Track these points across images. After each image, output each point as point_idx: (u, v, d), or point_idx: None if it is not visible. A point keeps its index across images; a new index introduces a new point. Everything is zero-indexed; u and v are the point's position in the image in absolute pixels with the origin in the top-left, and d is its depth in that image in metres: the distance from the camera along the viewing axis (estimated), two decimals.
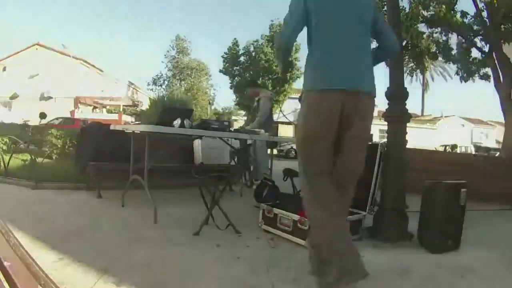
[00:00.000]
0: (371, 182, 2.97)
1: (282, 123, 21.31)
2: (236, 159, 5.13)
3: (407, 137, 3.03)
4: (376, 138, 7.66)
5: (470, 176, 4.80)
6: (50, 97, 24.60)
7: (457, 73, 9.96)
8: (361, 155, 1.85)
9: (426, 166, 5.51)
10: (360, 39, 1.83)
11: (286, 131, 26.03)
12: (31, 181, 4.27)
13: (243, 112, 26.38)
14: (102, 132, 4.58)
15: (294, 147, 18.85)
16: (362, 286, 1.94)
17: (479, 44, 9.18)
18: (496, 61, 8.47)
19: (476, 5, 8.35)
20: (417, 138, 19.61)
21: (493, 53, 8.48)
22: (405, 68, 6.43)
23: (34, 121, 18.31)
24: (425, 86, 37.45)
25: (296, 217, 2.57)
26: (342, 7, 1.80)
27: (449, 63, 11.23)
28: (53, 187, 4.23)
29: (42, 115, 19.63)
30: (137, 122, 17.93)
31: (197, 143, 4.81)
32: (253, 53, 23.35)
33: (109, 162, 4.17)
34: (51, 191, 4.04)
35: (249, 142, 4.59)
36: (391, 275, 2.12)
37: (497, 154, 15.09)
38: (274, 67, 22.36)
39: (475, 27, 8.96)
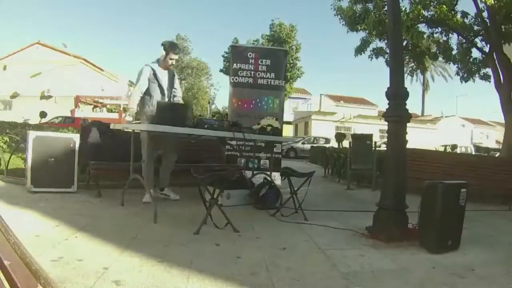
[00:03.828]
0: None
1: (285, 122, 21.26)
2: None
3: (407, 137, 3.03)
4: (376, 138, 7.67)
5: (470, 176, 4.82)
6: (50, 96, 24.56)
7: (457, 73, 9.96)
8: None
9: (426, 166, 5.52)
10: None
11: (286, 131, 26.01)
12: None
13: None
14: (102, 131, 4.58)
15: (295, 146, 18.94)
16: (362, 285, 1.94)
17: (479, 44, 9.17)
18: (496, 62, 8.46)
19: (476, 6, 8.34)
20: (418, 138, 19.59)
21: (494, 54, 8.47)
22: (405, 68, 6.43)
23: (35, 120, 18.32)
24: (425, 86, 37.45)
25: None
26: None
27: (450, 63, 11.22)
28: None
29: (42, 114, 19.62)
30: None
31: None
32: None
33: (109, 161, 4.17)
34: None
35: None
36: (391, 275, 2.12)
37: (497, 154, 15.09)
38: None
39: (475, 27, 8.96)
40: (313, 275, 2.04)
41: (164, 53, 3.80)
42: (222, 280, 1.89)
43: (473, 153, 22.05)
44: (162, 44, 3.82)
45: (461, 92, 65.40)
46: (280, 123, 5.56)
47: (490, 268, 2.29)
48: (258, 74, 5.60)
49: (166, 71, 3.90)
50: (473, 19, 8.87)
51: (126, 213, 3.30)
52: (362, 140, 6.54)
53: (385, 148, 3.24)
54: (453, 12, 8.40)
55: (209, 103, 27.80)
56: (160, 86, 3.82)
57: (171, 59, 3.83)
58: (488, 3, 7.27)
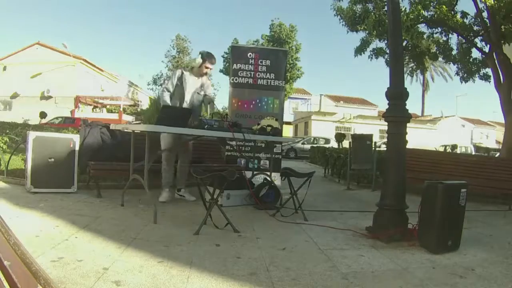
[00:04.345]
0: None
1: (284, 123, 21.27)
2: None
3: (407, 137, 3.03)
4: (376, 138, 7.73)
5: (470, 176, 4.82)
6: (50, 97, 24.58)
7: (457, 74, 9.95)
8: None
9: (426, 166, 5.51)
10: None
11: (286, 131, 26.03)
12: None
13: None
14: (102, 132, 4.59)
15: (295, 146, 18.94)
16: (362, 286, 1.94)
17: (479, 45, 9.17)
18: (496, 62, 8.46)
19: (476, 6, 8.34)
20: (417, 138, 19.62)
21: (494, 54, 8.47)
22: (405, 69, 6.44)
23: (35, 120, 18.33)
24: (425, 86, 37.46)
25: None
26: None
27: (450, 63, 11.21)
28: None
29: (42, 115, 19.67)
30: (137, 122, 17.93)
31: None
32: None
33: (109, 162, 4.17)
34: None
35: None
36: (391, 275, 2.12)
37: (497, 154, 15.09)
38: None
39: (475, 28, 8.96)
40: (313, 275, 2.04)
41: (200, 61, 3.99)
42: (222, 280, 1.89)
43: (473, 153, 22.06)
44: (200, 53, 4.04)
45: (461, 92, 65.46)
46: (280, 123, 5.55)
47: (490, 268, 2.29)
48: (258, 75, 5.60)
49: (199, 78, 4.07)
50: (473, 19, 8.87)
51: (126, 214, 3.31)
52: (362, 140, 6.53)
53: (385, 148, 3.25)
54: (453, 12, 8.40)
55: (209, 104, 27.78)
56: (182, 92, 3.95)
57: (206, 67, 4.01)
58: (488, 3, 7.27)
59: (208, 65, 4.00)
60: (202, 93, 4.11)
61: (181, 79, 3.95)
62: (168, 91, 3.97)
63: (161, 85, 30.03)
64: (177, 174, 4.11)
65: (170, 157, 3.93)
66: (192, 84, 4.02)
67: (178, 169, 4.11)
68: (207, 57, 4.00)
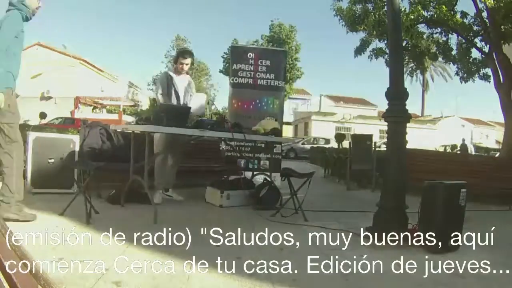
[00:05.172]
0: None
1: (284, 123, 21.29)
2: None
3: (407, 137, 3.03)
4: (376, 139, 7.75)
5: (470, 176, 4.82)
6: (50, 97, 24.56)
7: (457, 74, 9.96)
8: None
9: (426, 166, 5.51)
10: None
11: (286, 132, 26.03)
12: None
13: None
14: (102, 132, 4.58)
15: (295, 147, 18.94)
16: (362, 286, 1.94)
17: (479, 45, 9.17)
18: (496, 62, 8.47)
19: (476, 6, 8.35)
20: (417, 138, 19.61)
21: (493, 54, 8.48)
22: (405, 69, 6.44)
23: (35, 121, 18.31)
24: (425, 86, 37.45)
25: None
26: None
27: (449, 64, 11.22)
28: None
29: (42, 115, 19.64)
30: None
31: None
32: None
33: (109, 162, 4.16)
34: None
35: None
36: (391, 275, 2.12)
37: (497, 154, 15.09)
38: None
39: (475, 28, 8.96)
40: (313, 275, 2.04)
41: (175, 59, 4.09)
42: (222, 280, 1.89)
43: (473, 153, 22.05)
44: (177, 49, 4.10)
45: (461, 92, 65.53)
46: (279, 123, 5.56)
47: (490, 269, 2.28)
48: (258, 75, 5.60)
49: (183, 77, 4.07)
50: (473, 19, 8.88)
51: (126, 214, 3.31)
52: (362, 141, 6.54)
53: (385, 148, 3.25)
54: (452, 12, 8.41)
55: (208, 103, 27.81)
56: (176, 92, 3.94)
57: (181, 63, 4.01)
58: (487, 3, 7.28)
59: (181, 60, 3.98)
60: (191, 92, 4.09)
61: (171, 81, 3.94)
62: (163, 94, 3.92)
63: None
64: (166, 174, 4.04)
65: (166, 157, 3.89)
66: (181, 84, 4.01)
67: (168, 169, 4.05)
68: (180, 53, 4.15)
